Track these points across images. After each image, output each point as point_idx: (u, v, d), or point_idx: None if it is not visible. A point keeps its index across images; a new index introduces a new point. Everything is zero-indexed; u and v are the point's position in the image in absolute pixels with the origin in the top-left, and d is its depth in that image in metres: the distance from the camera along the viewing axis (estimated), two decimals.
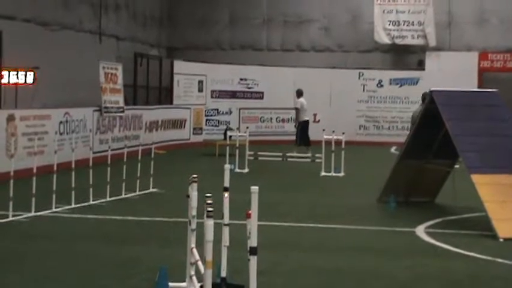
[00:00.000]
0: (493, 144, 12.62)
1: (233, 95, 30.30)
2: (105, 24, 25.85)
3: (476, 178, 11.81)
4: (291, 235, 11.42)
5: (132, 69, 26.85)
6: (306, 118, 25.01)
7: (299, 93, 25.19)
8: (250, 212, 5.92)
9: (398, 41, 31.44)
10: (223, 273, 7.02)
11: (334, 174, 19.30)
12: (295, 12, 32.34)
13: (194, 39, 32.32)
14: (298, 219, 12.70)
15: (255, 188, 5.89)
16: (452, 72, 29.51)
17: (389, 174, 14.36)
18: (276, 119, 31.02)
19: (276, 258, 9.48)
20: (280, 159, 22.06)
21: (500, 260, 9.68)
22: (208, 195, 6.52)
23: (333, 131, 20.25)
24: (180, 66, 28.73)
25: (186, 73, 28.72)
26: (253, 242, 5.86)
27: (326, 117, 29.61)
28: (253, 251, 5.89)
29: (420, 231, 11.71)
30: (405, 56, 32.23)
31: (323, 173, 19.39)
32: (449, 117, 12.74)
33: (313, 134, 24.48)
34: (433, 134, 13.83)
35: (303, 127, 24.75)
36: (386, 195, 14.28)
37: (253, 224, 5.89)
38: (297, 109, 25.16)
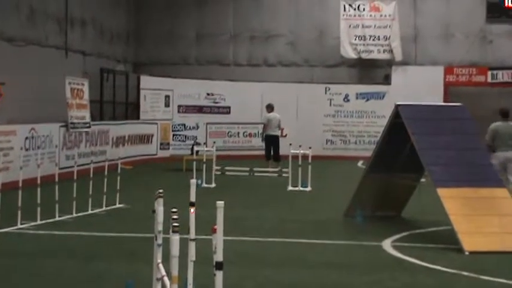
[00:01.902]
0: (458, 158, 12.70)
1: (200, 109, 30.28)
2: (71, 40, 25.75)
3: (441, 192, 11.87)
4: (258, 250, 11.40)
5: (98, 84, 26.76)
6: (272, 133, 24.96)
7: (268, 108, 25.25)
8: (215, 227, 5.92)
9: (364, 56, 31.63)
10: None
11: (301, 188, 19.32)
12: (261, 28, 32.44)
13: (161, 54, 32.30)
14: (265, 234, 12.69)
15: (220, 203, 5.88)
16: (418, 87, 29.73)
17: (356, 188, 14.40)
18: (243, 133, 31.04)
19: (242, 273, 9.47)
20: (247, 174, 22.06)
21: (465, 273, 9.74)
22: (174, 210, 6.51)
23: (300, 146, 20.28)
24: (146, 81, 28.68)
25: (152, 88, 28.67)
26: (218, 257, 5.86)
27: (293, 131, 29.66)
28: (219, 266, 5.88)
29: (387, 245, 11.75)
30: (371, 71, 32.42)
31: (290, 188, 19.41)
32: (415, 131, 12.82)
33: (281, 148, 24.53)
34: (399, 148, 13.90)
35: (267, 142, 24.80)
36: (353, 209, 14.32)
37: (218, 239, 5.88)
38: (263, 123, 25.24)
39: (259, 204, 16.72)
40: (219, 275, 5.82)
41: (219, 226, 5.86)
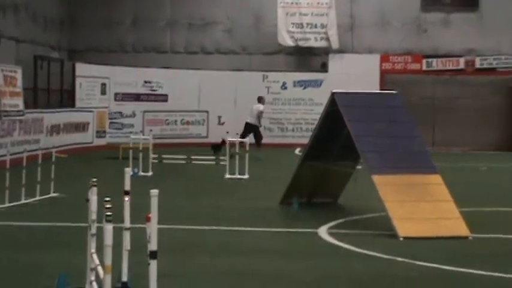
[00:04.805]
0: (393, 145, 12.82)
1: (137, 97, 30.05)
2: (4, 26, 25.29)
3: (377, 179, 11.97)
4: (195, 238, 11.37)
5: (32, 72, 26.34)
6: (247, 120, 25.92)
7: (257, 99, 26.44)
8: (149, 215, 5.87)
9: (301, 44, 31.72)
10: (125, 278, 6.93)
11: (238, 176, 19.32)
12: (199, 15, 32.29)
13: (96, 41, 31.94)
14: (201, 222, 12.65)
15: (154, 191, 5.84)
16: (355, 74, 29.94)
17: (293, 175, 14.44)
18: (181, 121, 30.90)
19: (179, 261, 9.43)
20: (184, 162, 21.97)
21: (400, 259, 9.84)
22: (107, 199, 6.44)
23: (237, 134, 20.26)
24: (82, 68, 28.32)
25: (88, 76, 28.34)
26: (152, 245, 5.82)
27: (231, 119, 29.65)
28: (153, 255, 5.84)
29: (323, 232, 11.81)
30: (309, 58, 32.55)
31: (227, 176, 19.39)
32: (351, 118, 12.89)
33: (218, 136, 24.50)
34: (336, 136, 13.97)
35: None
36: (289, 196, 14.36)
37: (153, 228, 5.84)
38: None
39: (196, 193, 16.67)
40: (153, 264, 5.79)
41: (153, 215, 5.82)
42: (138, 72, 30.03)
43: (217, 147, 24.69)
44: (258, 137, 25.75)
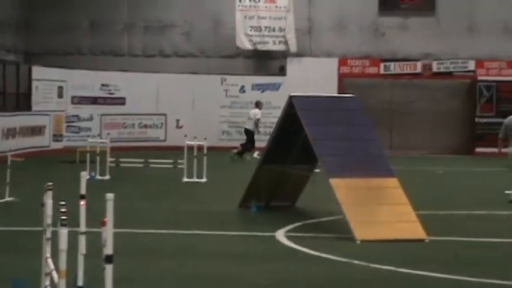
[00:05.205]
0: (350, 148, 12.87)
1: (94, 101, 29.85)
2: None
3: (334, 182, 12.01)
4: (151, 242, 11.31)
5: None
6: (245, 126, 26.79)
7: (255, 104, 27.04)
8: (105, 219, 5.83)
9: (260, 47, 31.75)
10: (80, 282, 6.87)
11: (196, 180, 19.26)
12: (156, 18, 32.17)
13: (53, 44, 31.65)
14: (158, 226, 12.59)
15: (110, 195, 5.80)
16: (313, 78, 30.02)
17: (251, 179, 14.43)
18: (139, 125, 30.75)
19: (136, 265, 9.37)
20: (142, 165, 21.88)
21: (356, 262, 9.87)
22: (62, 203, 6.37)
23: (195, 137, 20.22)
24: (38, 71, 28.05)
25: (45, 79, 28.09)
26: (108, 250, 5.78)
27: (189, 122, 29.58)
28: (108, 259, 5.80)
29: (281, 235, 11.81)
30: (267, 62, 32.59)
31: (185, 179, 19.32)
32: (308, 122, 12.91)
33: (176, 139, 24.43)
34: (293, 139, 14.00)
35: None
36: (248, 200, 14.35)
37: (108, 232, 5.80)
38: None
39: (154, 196, 16.60)
40: (109, 268, 5.75)
41: (109, 219, 5.78)
42: (96, 76, 29.84)
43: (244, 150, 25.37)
44: (251, 143, 26.36)
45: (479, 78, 31.43)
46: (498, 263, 10.36)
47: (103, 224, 5.94)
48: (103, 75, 30.08)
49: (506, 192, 17.20)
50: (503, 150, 17.29)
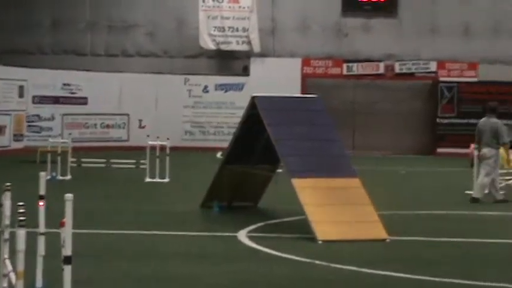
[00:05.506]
0: (313, 148, 12.87)
1: (56, 100, 29.60)
2: None
3: (296, 182, 12.00)
4: (113, 243, 11.22)
5: None
6: None
7: None
8: (64, 220, 5.78)
9: (223, 47, 31.73)
10: (39, 284, 6.81)
11: (159, 180, 19.18)
12: (119, 17, 32.01)
13: (14, 43, 31.32)
14: (121, 226, 12.51)
15: (69, 196, 5.76)
16: (277, 78, 30.02)
17: (213, 179, 14.40)
18: (101, 124, 30.57)
19: (96, 267, 9.29)
20: (104, 165, 21.75)
21: (318, 262, 9.87)
22: (20, 204, 6.30)
23: (158, 137, 20.14)
24: None
25: (5, 78, 27.80)
26: (67, 251, 5.73)
27: (152, 122, 29.48)
28: (67, 260, 5.75)
29: (242, 235, 11.79)
30: (230, 62, 32.58)
31: (148, 179, 19.23)
32: (271, 122, 12.90)
33: (139, 139, 24.32)
34: (256, 139, 13.98)
35: None
36: (210, 200, 14.32)
37: (67, 233, 5.76)
38: None
39: (115, 196, 16.50)
40: (68, 270, 5.71)
41: (68, 219, 5.73)
42: (57, 75, 29.60)
43: None
44: None
45: (441, 79, 31.67)
46: (459, 262, 10.42)
47: (62, 224, 5.89)
48: (65, 74, 29.86)
49: (467, 192, 17.37)
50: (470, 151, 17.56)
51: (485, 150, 16.34)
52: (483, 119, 16.68)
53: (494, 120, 16.46)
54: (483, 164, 16.39)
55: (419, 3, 32.08)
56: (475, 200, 16.19)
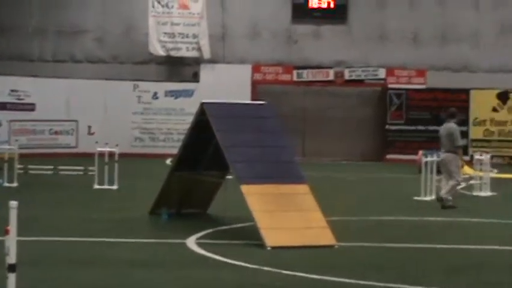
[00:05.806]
0: (262, 155, 12.88)
1: (3, 106, 29.21)
2: None
3: (245, 188, 12.01)
4: (59, 250, 11.10)
5: None
6: None
7: None
8: (8, 227, 5.70)
9: (173, 53, 31.62)
10: None
11: (107, 187, 19.03)
12: (68, 22, 31.69)
13: None
14: (68, 233, 12.39)
15: (13, 203, 5.70)
16: (227, 85, 30.00)
17: (162, 186, 14.34)
18: (49, 131, 30.24)
19: (41, 275, 9.18)
20: (52, 172, 21.54)
21: (266, 268, 9.88)
22: None
23: (107, 143, 20.00)
24: None
25: None
26: (11, 259, 5.66)
27: (100, 129, 29.24)
28: (11, 268, 5.69)
29: (191, 242, 11.75)
30: (180, 68, 32.48)
31: (96, 186, 19.07)
32: (220, 128, 12.89)
33: (88, 146, 24.12)
34: (205, 146, 13.95)
35: None
36: (159, 207, 14.25)
37: (12, 240, 5.69)
38: None
39: (63, 203, 16.33)
40: (12, 278, 5.63)
41: (12, 227, 5.66)
42: (4, 81, 29.20)
43: None
44: None
45: (390, 86, 31.92)
46: (405, 268, 10.51)
47: (6, 232, 5.82)
48: (12, 80, 29.48)
49: (415, 198, 17.54)
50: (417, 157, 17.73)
51: (444, 156, 16.60)
52: (443, 125, 16.95)
53: (450, 124, 16.73)
54: (444, 171, 16.67)
55: (368, 10, 32.33)
56: (440, 200, 16.42)
